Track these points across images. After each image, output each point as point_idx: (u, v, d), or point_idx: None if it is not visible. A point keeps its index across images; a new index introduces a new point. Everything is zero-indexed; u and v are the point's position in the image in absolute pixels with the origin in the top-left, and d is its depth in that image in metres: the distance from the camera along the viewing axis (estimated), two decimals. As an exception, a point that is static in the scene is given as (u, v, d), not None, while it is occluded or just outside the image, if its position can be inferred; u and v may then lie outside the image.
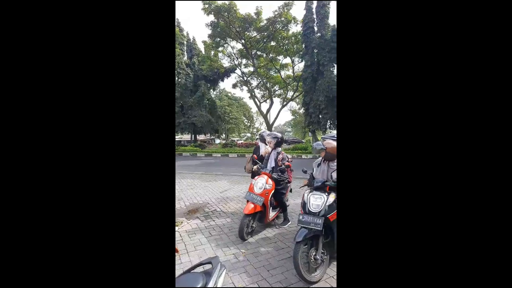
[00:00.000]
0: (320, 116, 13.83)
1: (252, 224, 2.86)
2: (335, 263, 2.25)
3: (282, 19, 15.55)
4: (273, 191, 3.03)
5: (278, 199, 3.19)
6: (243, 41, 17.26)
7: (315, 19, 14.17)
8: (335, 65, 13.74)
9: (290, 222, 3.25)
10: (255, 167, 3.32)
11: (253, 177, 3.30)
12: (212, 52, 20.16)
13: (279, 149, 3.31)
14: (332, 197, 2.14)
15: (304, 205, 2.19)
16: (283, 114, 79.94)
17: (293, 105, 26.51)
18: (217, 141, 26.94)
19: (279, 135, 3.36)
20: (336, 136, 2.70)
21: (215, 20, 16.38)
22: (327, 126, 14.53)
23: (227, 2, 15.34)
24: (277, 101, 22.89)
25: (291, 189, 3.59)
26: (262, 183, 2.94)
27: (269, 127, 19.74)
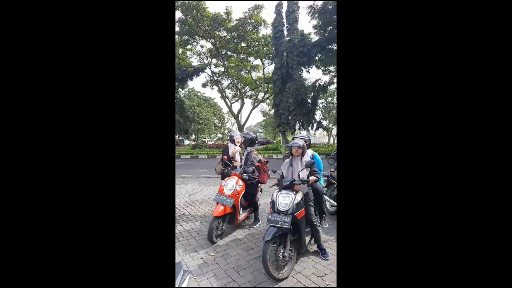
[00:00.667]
0: (290, 118, 14.29)
1: (222, 226, 2.82)
2: (302, 259, 2.33)
3: (252, 21, 15.69)
4: (243, 192, 3.03)
5: (250, 199, 3.20)
6: (212, 40, 16.95)
7: (285, 23, 14.61)
8: (303, 69, 14.33)
9: (260, 222, 3.28)
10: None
11: (223, 178, 3.26)
12: (180, 50, 19.39)
13: (250, 148, 3.32)
14: (300, 195, 2.22)
15: (273, 204, 2.23)
16: (254, 115, 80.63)
17: (264, 106, 26.95)
18: (186, 142, 25.98)
19: (251, 134, 3.38)
20: (305, 136, 2.92)
21: (183, 17, 15.79)
22: (297, 127, 15.09)
23: (194, 2, 14.91)
24: (248, 102, 23.03)
25: (261, 189, 3.63)
26: (232, 184, 2.91)
27: (241, 127, 19.73)
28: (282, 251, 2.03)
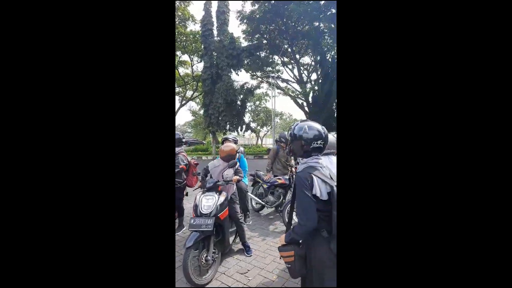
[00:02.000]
0: (220, 118, 14.25)
1: (138, 238, 2.48)
2: (227, 259, 2.35)
3: (179, 13, 14.78)
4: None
5: (176, 204, 2.98)
6: (132, 26, 14.87)
7: (214, 23, 14.47)
8: (233, 71, 14.61)
9: (185, 228, 3.10)
10: None
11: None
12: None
13: (178, 149, 3.08)
14: (223, 196, 2.23)
15: (196, 208, 2.14)
16: (182, 113, 76.00)
17: (193, 105, 25.84)
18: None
19: (178, 134, 3.15)
20: (235, 138, 3.04)
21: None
22: (227, 128, 15.21)
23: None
24: (175, 99, 21.45)
25: (187, 192, 3.43)
26: (151, 189, 2.62)
27: (166, 127, 18.14)
28: (205, 255, 1.97)
